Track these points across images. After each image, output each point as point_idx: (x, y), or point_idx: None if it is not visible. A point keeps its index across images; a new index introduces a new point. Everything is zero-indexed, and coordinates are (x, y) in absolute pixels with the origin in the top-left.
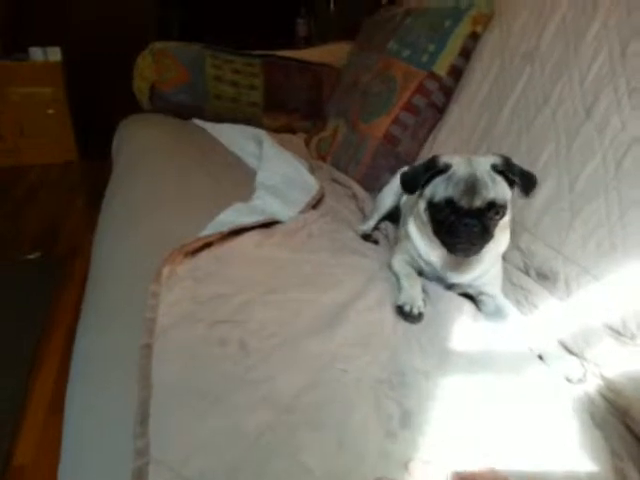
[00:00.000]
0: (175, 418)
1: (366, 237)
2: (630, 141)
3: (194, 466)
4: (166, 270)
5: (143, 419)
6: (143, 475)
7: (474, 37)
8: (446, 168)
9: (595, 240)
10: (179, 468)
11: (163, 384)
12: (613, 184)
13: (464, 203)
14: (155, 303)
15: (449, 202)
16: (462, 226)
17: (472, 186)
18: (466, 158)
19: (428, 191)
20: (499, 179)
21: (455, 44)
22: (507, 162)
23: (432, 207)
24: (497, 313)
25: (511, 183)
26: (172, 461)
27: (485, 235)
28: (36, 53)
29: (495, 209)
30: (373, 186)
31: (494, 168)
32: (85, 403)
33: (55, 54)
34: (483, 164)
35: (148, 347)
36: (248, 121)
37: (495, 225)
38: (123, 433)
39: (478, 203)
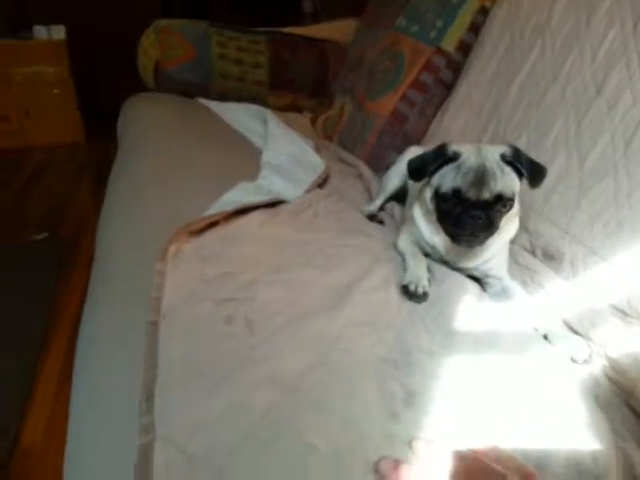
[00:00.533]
0: (180, 395)
1: (372, 217)
2: None
3: (198, 443)
4: (172, 248)
5: (149, 396)
6: (149, 452)
7: (483, 12)
8: (455, 157)
9: (602, 220)
10: (184, 445)
11: (169, 362)
12: (622, 162)
13: (471, 195)
14: (161, 282)
15: (456, 193)
16: (468, 218)
17: (481, 177)
18: (476, 147)
19: (435, 180)
20: (508, 170)
21: (464, 19)
22: (516, 152)
23: (439, 197)
24: (503, 294)
25: (520, 173)
26: (177, 438)
27: (490, 228)
28: (40, 32)
29: (502, 202)
30: (380, 165)
31: (503, 158)
32: (92, 381)
33: (59, 32)
34: (492, 154)
35: (155, 324)
36: (253, 100)
37: (501, 218)
38: (130, 410)
39: (486, 195)
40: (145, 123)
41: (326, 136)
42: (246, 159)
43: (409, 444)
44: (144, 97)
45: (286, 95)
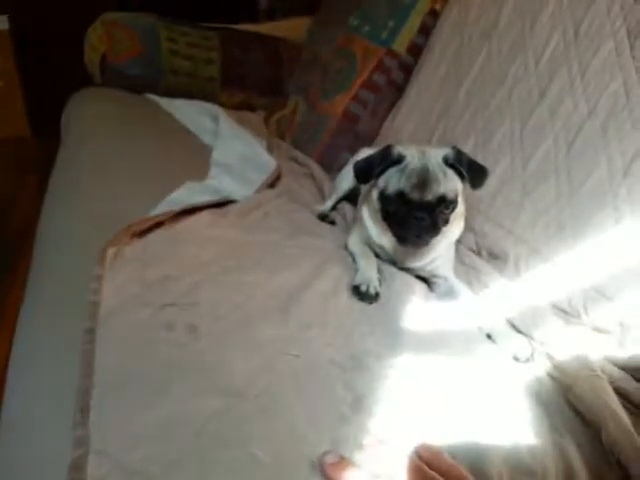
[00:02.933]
0: (118, 406)
1: (323, 217)
2: (581, 123)
3: (136, 456)
4: (111, 252)
5: (83, 407)
6: (82, 465)
7: (433, 14)
8: (400, 159)
9: (544, 221)
10: (120, 458)
11: (106, 370)
12: (563, 166)
13: (415, 197)
14: (98, 286)
15: (400, 194)
16: (412, 219)
17: (424, 180)
18: (420, 149)
19: (381, 182)
20: (450, 172)
21: (414, 21)
22: (458, 154)
23: (384, 198)
24: (449, 294)
25: (462, 175)
26: (113, 451)
27: (434, 229)
28: None
29: (445, 204)
30: (332, 165)
31: (445, 160)
32: (24, 391)
33: (2, 22)
34: (435, 156)
35: (91, 331)
36: (205, 97)
37: (445, 219)
38: (64, 422)
39: (429, 197)
40: (90, 119)
41: (279, 135)
42: (195, 157)
43: (360, 444)
44: (90, 92)
45: (238, 93)
